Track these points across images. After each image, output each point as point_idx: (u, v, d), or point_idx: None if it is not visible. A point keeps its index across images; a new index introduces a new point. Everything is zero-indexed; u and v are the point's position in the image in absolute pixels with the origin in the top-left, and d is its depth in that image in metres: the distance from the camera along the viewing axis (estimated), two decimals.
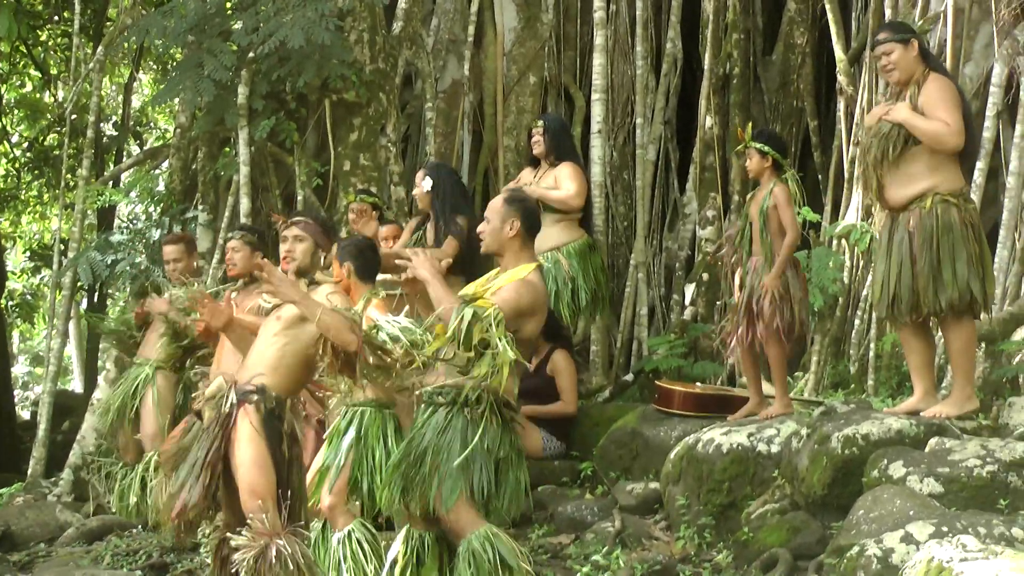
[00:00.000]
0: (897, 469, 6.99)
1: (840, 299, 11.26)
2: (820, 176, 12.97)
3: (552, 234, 10.35)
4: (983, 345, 9.84)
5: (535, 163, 10.82)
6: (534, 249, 7.11)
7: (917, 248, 7.85)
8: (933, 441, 7.33)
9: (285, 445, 6.49)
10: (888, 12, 11.49)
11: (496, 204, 7.10)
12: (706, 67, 13.27)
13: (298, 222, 7.08)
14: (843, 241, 11.27)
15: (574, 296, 10.38)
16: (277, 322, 6.68)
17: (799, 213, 10.48)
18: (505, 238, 6.97)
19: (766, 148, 8.87)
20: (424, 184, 10.01)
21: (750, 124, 9.67)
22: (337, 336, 6.39)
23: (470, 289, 6.91)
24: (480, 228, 7.09)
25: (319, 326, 6.42)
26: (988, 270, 7.96)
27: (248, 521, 6.25)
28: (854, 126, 11.73)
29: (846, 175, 11.85)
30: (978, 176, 10.47)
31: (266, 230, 11.17)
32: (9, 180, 21.17)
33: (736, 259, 9.17)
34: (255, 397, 6.45)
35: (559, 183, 10.56)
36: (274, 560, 6.10)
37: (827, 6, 12.33)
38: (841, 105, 12.16)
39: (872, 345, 10.66)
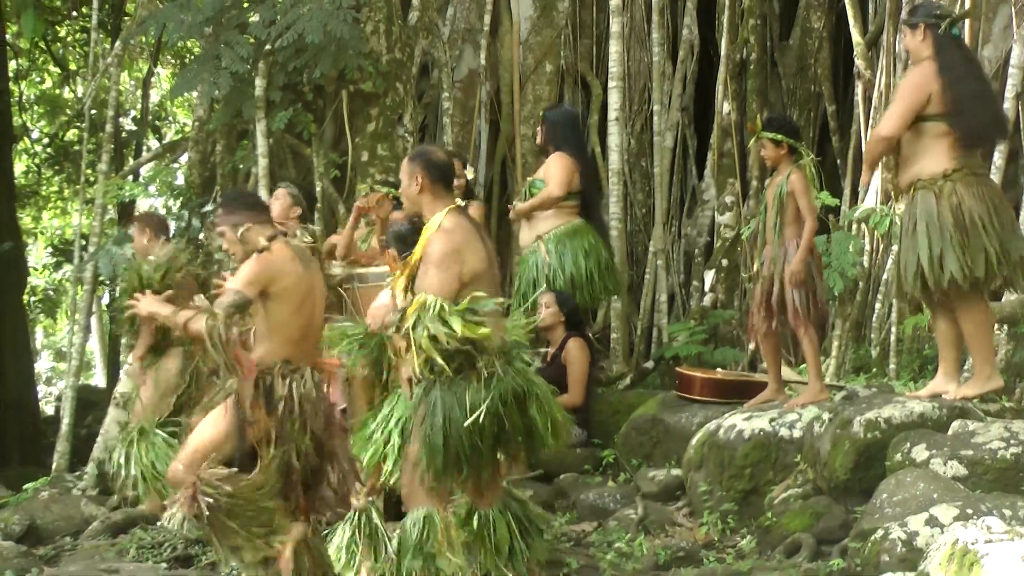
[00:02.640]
0: (920, 452, 6.98)
1: (860, 283, 11.25)
2: (839, 160, 12.96)
3: (538, 224, 10.37)
4: (1005, 327, 9.81)
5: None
6: (451, 197, 6.90)
7: (902, 233, 7.91)
8: (956, 424, 7.32)
9: (282, 409, 6.43)
10: None
11: (403, 165, 6.98)
12: (723, 53, 13.27)
13: (214, 219, 6.89)
14: (863, 225, 11.24)
15: (550, 284, 10.27)
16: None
17: (817, 197, 10.48)
18: (414, 194, 6.84)
19: (779, 136, 8.80)
20: (468, 173, 9.90)
21: (757, 115, 9.65)
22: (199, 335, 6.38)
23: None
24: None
25: (189, 333, 6.41)
26: (974, 252, 7.78)
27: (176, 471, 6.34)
28: (872, 110, 11.71)
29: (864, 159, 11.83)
30: (998, 158, 10.43)
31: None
32: (30, 176, 21.26)
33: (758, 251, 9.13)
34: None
35: (547, 176, 10.48)
36: (202, 506, 6.15)
37: None
38: (859, 89, 12.14)
39: (893, 329, 10.65)
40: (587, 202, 10.53)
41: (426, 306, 6.42)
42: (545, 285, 10.20)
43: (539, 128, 10.65)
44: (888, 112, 7.93)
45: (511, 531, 6.72)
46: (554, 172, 10.37)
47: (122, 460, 9.55)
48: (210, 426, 6.53)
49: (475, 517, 6.68)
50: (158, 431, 9.64)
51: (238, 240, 6.65)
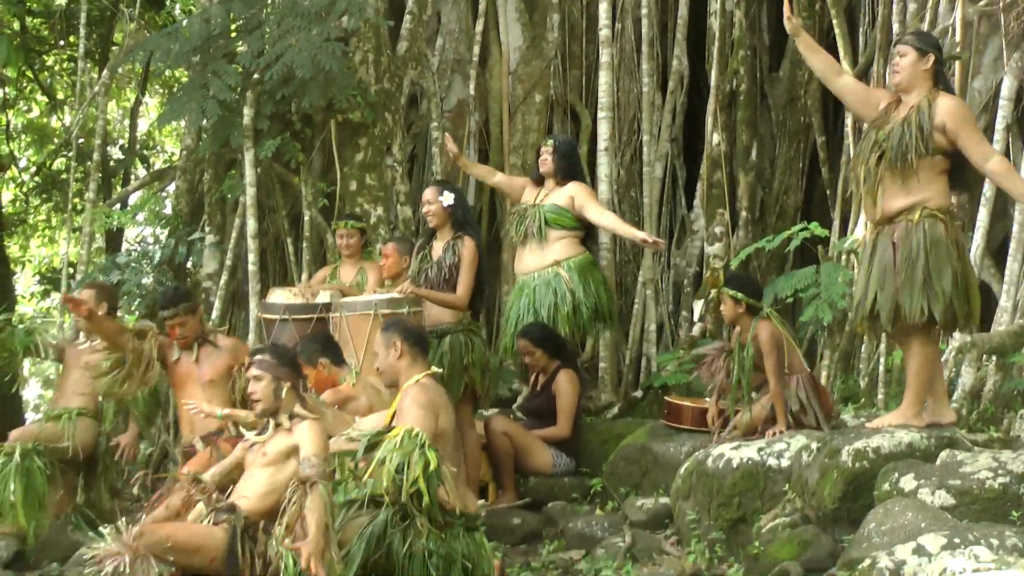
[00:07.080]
0: (908, 482, 6.97)
1: (849, 314, 11.22)
2: (828, 191, 12.99)
3: (554, 250, 10.33)
4: (994, 358, 9.81)
5: (539, 181, 10.70)
6: (425, 363, 7.38)
7: (900, 260, 7.77)
8: (944, 454, 7.32)
9: (249, 564, 6.55)
10: (896, 26, 11.48)
11: (376, 337, 7.49)
12: (712, 84, 13.27)
13: (255, 361, 7.01)
14: (852, 256, 11.23)
15: (575, 311, 10.26)
16: (264, 456, 6.81)
17: (807, 227, 10.56)
18: (393, 361, 7.27)
19: (738, 295, 8.91)
20: (444, 199, 9.77)
21: (722, 271, 9.68)
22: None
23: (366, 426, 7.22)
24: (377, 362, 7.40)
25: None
26: (972, 289, 7.81)
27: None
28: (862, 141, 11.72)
29: (853, 190, 11.84)
30: (988, 189, 10.45)
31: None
32: (17, 204, 21.20)
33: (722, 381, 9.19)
34: (224, 516, 6.59)
35: (582, 207, 10.43)
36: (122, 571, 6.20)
37: (834, 22, 12.32)
38: (849, 120, 12.15)
39: (882, 360, 10.63)
40: (592, 233, 10.69)
41: (411, 435, 6.61)
42: (569, 312, 10.21)
43: (546, 156, 10.54)
44: (980, 138, 7.96)
45: None
46: (590, 197, 10.58)
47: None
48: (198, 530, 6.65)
49: None
50: (36, 458, 9.57)
51: (275, 398, 6.94)
